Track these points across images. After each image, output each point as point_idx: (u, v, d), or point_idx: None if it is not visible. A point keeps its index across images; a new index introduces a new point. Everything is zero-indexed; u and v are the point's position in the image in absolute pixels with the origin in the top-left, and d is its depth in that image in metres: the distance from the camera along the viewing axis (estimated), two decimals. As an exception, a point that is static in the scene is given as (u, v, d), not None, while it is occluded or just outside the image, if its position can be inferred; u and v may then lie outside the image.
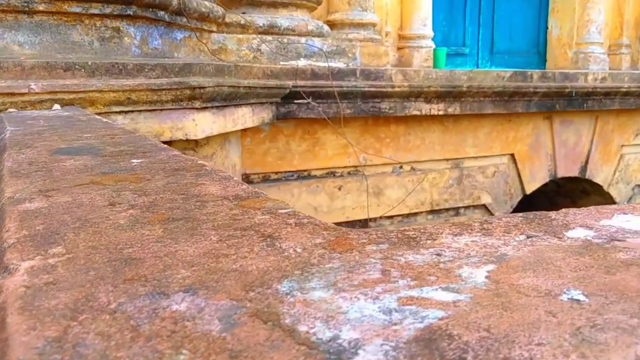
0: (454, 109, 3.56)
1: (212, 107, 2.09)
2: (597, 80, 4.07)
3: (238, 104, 2.32)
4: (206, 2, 2.55)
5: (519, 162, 4.13)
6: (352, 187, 3.51)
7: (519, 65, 5.11)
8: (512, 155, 4.10)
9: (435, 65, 4.13)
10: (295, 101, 2.66)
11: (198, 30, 2.56)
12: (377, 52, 3.61)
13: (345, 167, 3.47)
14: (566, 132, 4.31)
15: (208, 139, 2.40)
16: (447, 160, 3.83)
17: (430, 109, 3.47)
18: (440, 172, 3.82)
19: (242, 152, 3.07)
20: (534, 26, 5.34)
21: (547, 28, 5.36)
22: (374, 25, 3.67)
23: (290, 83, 2.85)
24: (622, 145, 4.62)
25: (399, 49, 4.27)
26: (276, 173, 3.26)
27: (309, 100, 2.58)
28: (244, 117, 2.42)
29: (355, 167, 3.52)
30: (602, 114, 4.43)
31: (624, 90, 4.18)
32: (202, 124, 2.02)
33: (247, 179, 3.15)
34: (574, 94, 3.95)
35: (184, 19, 2.37)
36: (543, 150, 4.23)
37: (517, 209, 5.56)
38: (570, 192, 4.98)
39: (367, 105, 3.26)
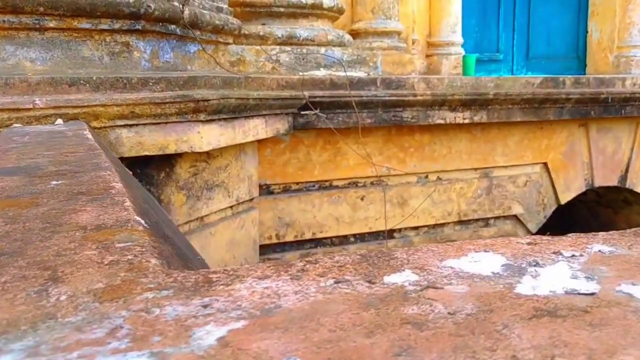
0: (481, 117, 3.47)
1: (219, 120, 2.10)
2: (635, 85, 3.89)
3: (249, 116, 2.33)
4: (221, 14, 2.58)
5: (553, 171, 3.98)
6: (375, 197, 3.46)
7: (557, 71, 4.96)
8: (545, 164, 3.96)
9: (464, 72, 4.04)
10: (303, 112, 2.64)
11: (213, 42, 2.58)
12: (401, 61, 3.56)
13: (367, 177, 3.43)
14: (604, 140, 4.13)
15: (222, 151, 2.42)
16: (475, 169, 3.74)
17: (455, 118, 3.39)
18: (468, 181, 3.72)
19: (262, 162, 3.08)
20: (573, 30, 5.17)
21: (586, 32, 5.18)
22: (398, 33, 3.62)
23: (307, 94, 2.84)
24: (667, 153, 4.39)
25: (427, 56, 4.21)
26: (297, 183, 3.25)
27: (317, 111, 2.56)
28: (256, 128, 2.42)
29: (379, 177, 3.47)
30: (643, 121, 4.23)
31: (666, 95, 3.98)
32: (207, 136, 2.03)
33: (267, 189, 3.15)
34: (609, 100, 3.79)
35: (197, 32, 2.39)
36: (578, 159, 4.07)
37: (553, 220, 5.38)
38: (611, 202, 4.78)
39: (389, 114, 3.21)
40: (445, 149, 3.61)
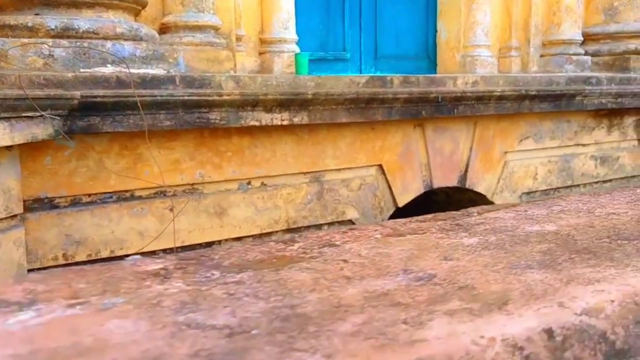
0: (301, 118, 3.25)
1: None
2: (467, 84, 3.83)
3: (-28, 120, 1.94)
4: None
5: (389, 173, 3.85)
6: (188, 207, 3.14)
7: (407, 71, 4.87)
8: (380, 166, 3.81)
9: (297, 71, 3.82)
10: (24, 115, 2.27)
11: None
12: (217, 57, 3.27)
13: (178, 185, 3.11)
14: (441, 140, 4.06)
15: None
16: (304, 173, 3.52)
17: (272, 119, 3.15)
18: (296, 187, 3.49)
19: (39, 172, 2.67)
20: (422, 29, 5.11)
21: (436, 31, 5.14)
22: (215, 28, 3.33)
23: (80, 93, 2.47)
24: (506, 152, 4.41)
25: (260, 54, 3.95)
26: (89, 195, 2.87)
27: (43, 113, 2.20)
28: (-11, 134, 2.03)
29: (192, 185, 3.16)
30: (481, 120, 4.21)
31: (498, 94, 3.96)
32: None
33: (50, 203, 2.75)
34: (440, 100, 3.70)
35: None
36: (416, 160, 3.97)
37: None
38: (459, 202, 4.75)
39: (192, 116, 2.91)
40: (268, 152, 3.36)
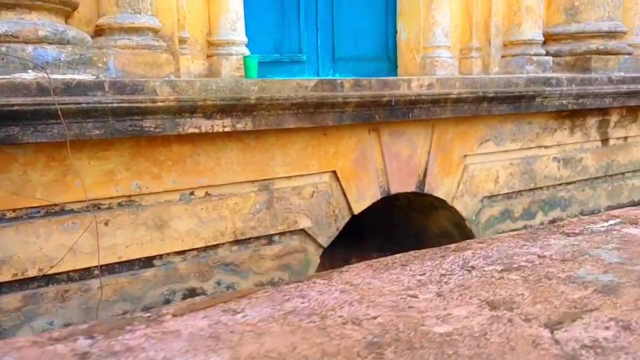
0: (245, 124, 3.09)
1: None
2: (422, 87, 3.71)
3: None
4: None
5: (343, 180, 3.71)
6: (125, 220, 2.96)
7: (367, 73, 4.75)
8: (334, 172, 3.67)
9: (246, 75, 3.66)
10: None
11: None
12: (156, 61, 3.09)
13: (113, 197, 2.93)
14: (397, 144, 3.93)
15: None
16: (252, 182, 3.36)
17: (212, 126, 2.98)
18: (243, 196, 3.34)
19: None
20: (382, 30, 4.99)
21: (396, 32, 5.02)
22: (154, 30, 3.15)
23: (-8, 101, 2.29)
24: (465, 155, 4.30)
25: (208, 57, 3.78)
26: (13, 210, 2.68)
27: None
28: None
29: (129, 196, 2.98)
30: (439, 123, 4.10)
31: (454, 96, 3.85)
32: None
33: (-32, 219, 2.55)
34: (393, 103, 3.57)
35: None
36: (371, 165, 3.83)
37: (375, 226, 5.20)
38: (421, 207, 4.65)
39: (124, 124, 2.73)
40: (212, 160, 3.20)
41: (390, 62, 5.04)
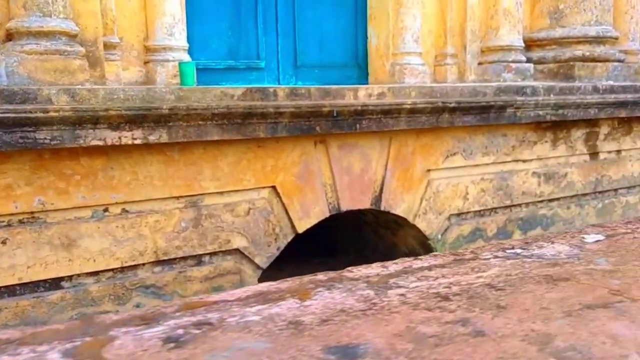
0: (159, 136, 2.85)
1: None
2: (371, 96, 3.42)
3: None
4: None
5: (285, 196, 3.43)
6: (26, 239, 2.74)
7: (334, 81, 4.47)
8: (274, 187, 3.40)
9: (183, 82, 3.42)
10: None
11: None
12: (67, 68, 2.88)
13: (12, 214, 2.71)
14: (349, 158, 3.64)
15: None
16: (176, 198, 3.11)
17: (120, 138, 2.74)
18: (166, 213, 3.09)
19: None
20: (351, 34, 4.71)
21: (367, 37, 4.74)
22: (67, 34, 2.93)
23: None
24: (429, 170, 3.99)
25: (145, 63, 3.56)
26: None
27: None
28: None
29: (31, 213, 2.76)
30: (397, 135, 3.80)
31: (409, 107, 3.54)
32: None
33: None
34: (335, 114, 3.29)
35: None
36: (318, 180, 3.55)
37: (345, 241, 4.91)
38: (387, 223, 4.34)
39: (14, 135, 2.51)
40: (128, 174, 2.96)
41: (360, 69, 4.75)
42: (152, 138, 2.82)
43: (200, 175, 3.15)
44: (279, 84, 4.38)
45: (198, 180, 3.15)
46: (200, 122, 2.92)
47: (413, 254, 4.35)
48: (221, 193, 3.24)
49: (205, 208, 3.19)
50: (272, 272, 3.41)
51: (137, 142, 2.78)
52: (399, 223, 4.18)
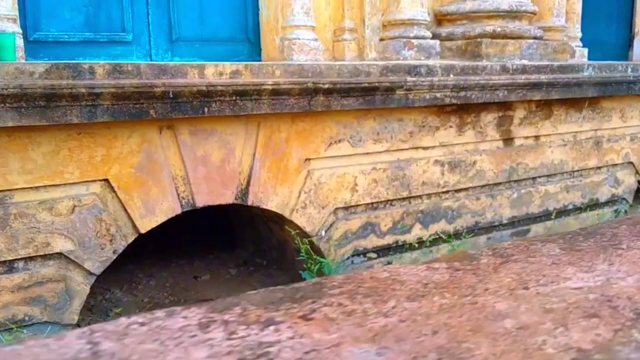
0: None
1: None
2: (223, 75, 2.94)
3: None
4: None
5: (122, 191, 2.96)
6: None
7: (221, 57, 3.99)
8: (107, 181, 2.92)
9: (3, 57, 2.89)
10: None
11: None
12: None
13: None
14: (205, 146, 3.17)
15: None
16: (-27, 195, 2.62)
17: None
18: (-40, 213, 2.60)
19: None
20: (240, 5, 4.19)
21: (258, 8, 4.23)
22: None
23: None
24: (308, 159, 3.54)
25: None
26: None
27: None
28: None
29: None
30: (267, 120, 3.33)
31: (270, 87, 3.07)
32: None
33: None
34: (172, 95, 2.81)
35: None
36: (165, 172, 3.08)
37: (246, 239, 4.47)
38: (273, 218, 3.89)
39: None
40: None
41: (251, 44, 4.25)
42: None
43: (5, 169, 2.65)
44: (151, 59, 3.87)
45: (2, 174, 2.65)
46: (-13, 105, 2.42)
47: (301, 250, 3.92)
48: (36, 188, 2.75)
49: (13, 206, 2.70)
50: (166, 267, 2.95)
51: None
52: (281, 217, 3.74)
